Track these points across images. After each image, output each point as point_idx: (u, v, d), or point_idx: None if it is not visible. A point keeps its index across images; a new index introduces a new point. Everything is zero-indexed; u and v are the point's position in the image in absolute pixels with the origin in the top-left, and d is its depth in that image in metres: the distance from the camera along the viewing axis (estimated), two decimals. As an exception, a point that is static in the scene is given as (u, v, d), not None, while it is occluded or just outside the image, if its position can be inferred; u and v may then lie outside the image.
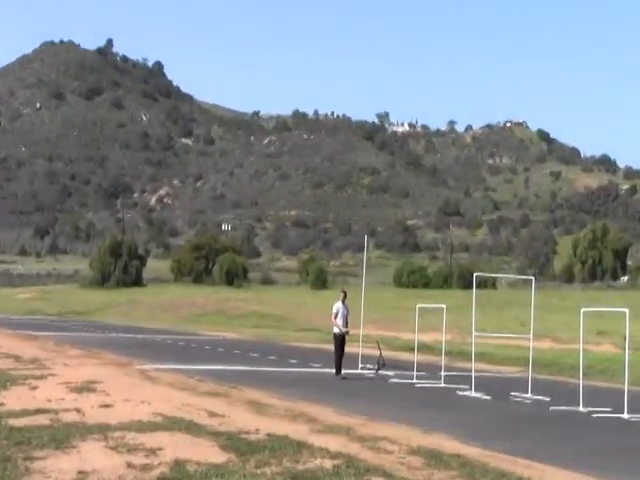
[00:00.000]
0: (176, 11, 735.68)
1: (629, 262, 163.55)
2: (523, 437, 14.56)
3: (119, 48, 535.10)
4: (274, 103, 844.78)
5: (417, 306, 27.26)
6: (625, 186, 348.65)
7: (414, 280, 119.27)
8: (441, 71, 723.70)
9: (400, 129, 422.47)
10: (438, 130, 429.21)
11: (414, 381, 24.13)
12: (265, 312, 69.25)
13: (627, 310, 19.28)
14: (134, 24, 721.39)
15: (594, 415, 17.62)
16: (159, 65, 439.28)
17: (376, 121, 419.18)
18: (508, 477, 10.42)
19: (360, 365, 27.39)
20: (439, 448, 12.42)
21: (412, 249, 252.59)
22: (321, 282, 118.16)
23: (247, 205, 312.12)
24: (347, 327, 25.54)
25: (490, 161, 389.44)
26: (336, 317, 25.34)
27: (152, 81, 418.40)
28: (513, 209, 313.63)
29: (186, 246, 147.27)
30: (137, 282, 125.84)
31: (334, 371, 24.97)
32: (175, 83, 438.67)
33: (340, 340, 25.14)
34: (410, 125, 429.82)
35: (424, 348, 33.71)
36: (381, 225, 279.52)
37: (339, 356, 24.98)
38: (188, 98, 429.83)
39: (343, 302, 25.48)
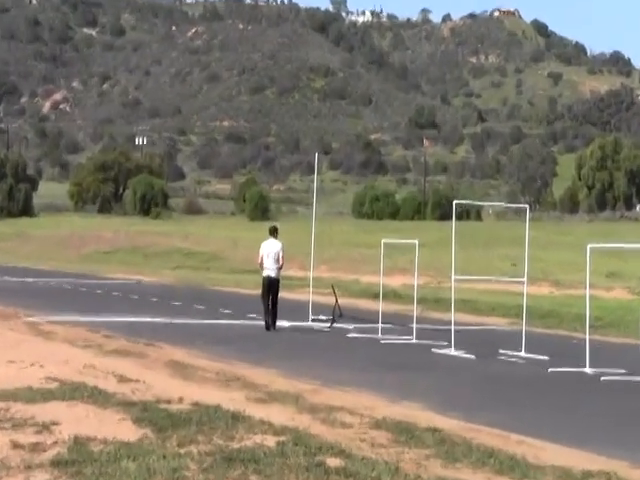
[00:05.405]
0: None
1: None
2: (515, 406, 14.68)
3: None
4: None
5: (382, 242, 27.25)
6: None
7: (378, 209, 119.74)
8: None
9: (360, 19, 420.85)
10: (408, 21, 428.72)
11: (379, 336, 24.17)
12: (191, 249, 69.09)
13: (646, 247, 19.43)
14: None
15: (603, 378, 17.78)
16: None
17: (330, 9, 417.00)
18: (497, 456, 10.43)
19: (311, 316, 27.37)
20: (410, 420, 12.43)
21: (376, 170, 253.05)
22: (261, 212, 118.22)
23: (167, 114, 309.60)
24: (279, 266, 25.45)
25: (473, 60, 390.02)
26: (262, 258, 25.31)
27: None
28: (502, 120, 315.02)
29: (89, 165, 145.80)
30: (26, 211, 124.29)
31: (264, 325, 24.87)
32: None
33: (269, 285, 25.11)
34: (373, 14, 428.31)
35: (391, 295, 33.83)
36: (337, 140, 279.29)
37: (269, 305, 24.91)
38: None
39: (275, 238, 25.38)
